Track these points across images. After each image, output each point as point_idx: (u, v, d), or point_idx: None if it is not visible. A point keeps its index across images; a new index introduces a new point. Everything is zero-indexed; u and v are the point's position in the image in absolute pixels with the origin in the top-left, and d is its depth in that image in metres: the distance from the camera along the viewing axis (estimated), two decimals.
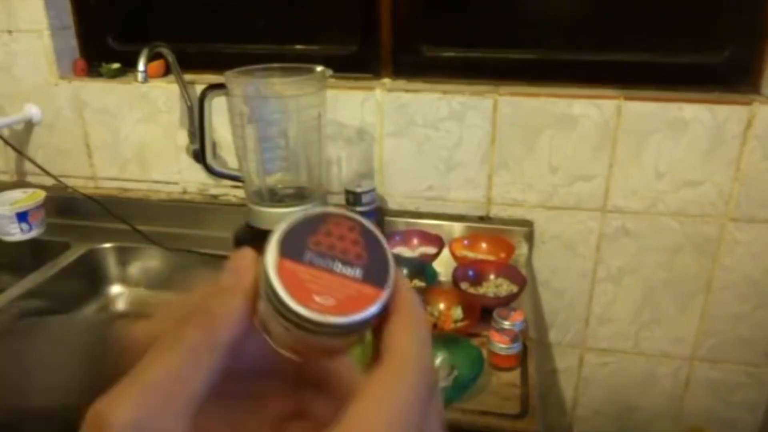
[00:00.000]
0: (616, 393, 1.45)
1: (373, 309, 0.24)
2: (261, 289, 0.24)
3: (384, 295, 0.24)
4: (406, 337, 0.24)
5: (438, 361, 0.92)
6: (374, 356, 0.24)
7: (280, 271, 0.23)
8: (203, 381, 0.22)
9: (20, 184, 1.52)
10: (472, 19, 1.31)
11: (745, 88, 1.21)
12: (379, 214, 1.30)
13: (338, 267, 0.24)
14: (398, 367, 0.23)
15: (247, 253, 0.25)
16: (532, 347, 0.98)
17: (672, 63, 1.24)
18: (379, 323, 0.24)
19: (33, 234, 1.31)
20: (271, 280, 0.23)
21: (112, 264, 1.36)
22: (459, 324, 1.02)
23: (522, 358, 0.95)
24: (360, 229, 0.25)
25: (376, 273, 0.24)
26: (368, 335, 0.25)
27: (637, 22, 1.25)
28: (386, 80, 1.34)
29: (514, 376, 0.92)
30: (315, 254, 0.24)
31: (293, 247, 0.24)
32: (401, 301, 0.25)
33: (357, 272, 0.24)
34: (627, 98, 1.19)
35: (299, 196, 1.14)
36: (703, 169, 1.21)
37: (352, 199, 1.24)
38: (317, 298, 0.23)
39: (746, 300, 1.30)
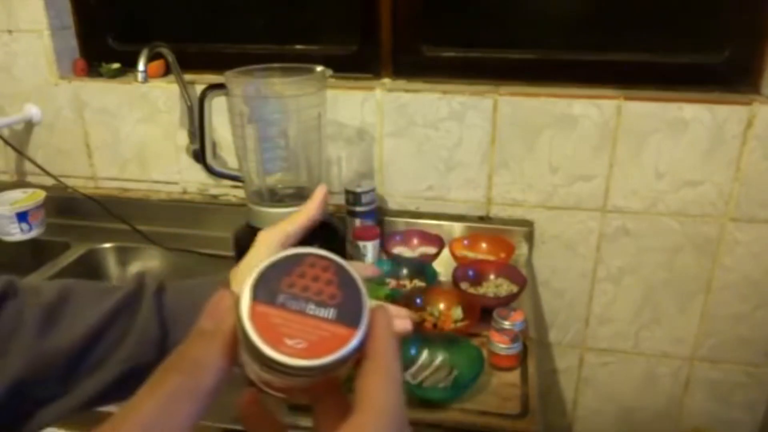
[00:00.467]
0: (616, 393, 1.45)
1: (345, 350, 0.24)
2: (238, 333, 0.25)
3: (358, 335, 0.24)
4: (379, 387, 0.24)
5: (438, 361, 0.92)
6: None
7: (253, 316, 0.24)
8: (184, 424, 0.23)
9: (20, 184, 1.52)
10: (472, 19, 1.31)
11: (745, 88, 1.21)
12: (379, 214, 1.30)
13: (311, 308, 0.24)
14: (371, 418, 0.23)
15: (226, 296, 0.26)
16: (532, 347, 0.98)
17: (672, 63, 1.24)
18: (356, 361, 0.25)
19: (33, 234, 1.31)
20: (243, 324, 0.23)
21: (112, 264, 1.36)
22: (459, 324, 1.02)
23: (522, 358, 0.95)
24: (335, 268, 0.26)
25: (349, 313, 0.25)
26: (349, 371, 0.25)
27: (637, 22, 1.25)
28: (386, 80, 1.34)
29: (514, 376, 0.92)
30: (288, 297, 0.24)
31: (267, 290, 0.24)
32: (376, 345, 0.25)
33: (330, 313, 0.24)
34: (627, 98, 1.19)
35: (299, 196, 1.14)
36: (703, 169, 1.21)
37: (352, 199, 1.24)
38: (288, 342, 0.23)
39: (746, 300, 1.30)
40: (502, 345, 0.93)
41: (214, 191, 1.44)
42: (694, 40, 1.24)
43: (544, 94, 1.22)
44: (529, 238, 1.30)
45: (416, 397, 0.84)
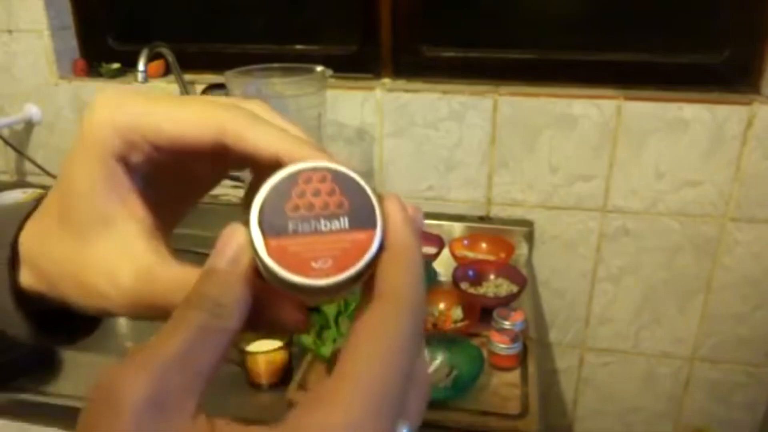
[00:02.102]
0: (616, 393, 1.45)
1: (370, 253, 0.24)
2: (261, 271, 0.24)
3: (377, 234, 0.24)
4: (398, 275, 0.24)
5: (438, 361, 0.92)
6: (365, 292, 0.24)
7: (271, 252, 0.23)
8: (213, 361, 0.22)
9: (20, 184, 1.52)
10: (472, 19, 1.31)
11: (745, 88, 1.21)
12: None
13: (324, 224, 0.24)
14: (392, 307, 0.23)
15: (236, 231, 0.25)
16: (532, 347, 0.98)
17: (672, 63, 1.24)
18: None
19: None
20: (266, 264, 0.23)
21: None
22: (459, 324, 1.02)
23: (522, 358, 0.95)
24: (332, 176, 0.25)
25: (362, 215, 0.24)
26: None
27: (637, 22, 1.25)
28: (386, 80, 1.34)
29: (514, 376, 0.92)
30: (297, 221, 0.24)
31: (273, 222, 0.24)
32: (391, 235, 0.24)
33: (344, 222, 0.24)
34: (627, 98, 1.19)
35: None
36: (703, 169, 1.21)
37: None
38: (315, 265, 0.23)
39: (746, 300, 1.30)
40: (502, 345, 0.93)
41: (214, 191, 1.44)
42: (694, 40, 1.24)
43: (544, 94, 1.22)
44: (529, 238, 1.30)
45: None
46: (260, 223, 0.24)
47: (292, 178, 0.24)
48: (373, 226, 0.24)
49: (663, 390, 1.42)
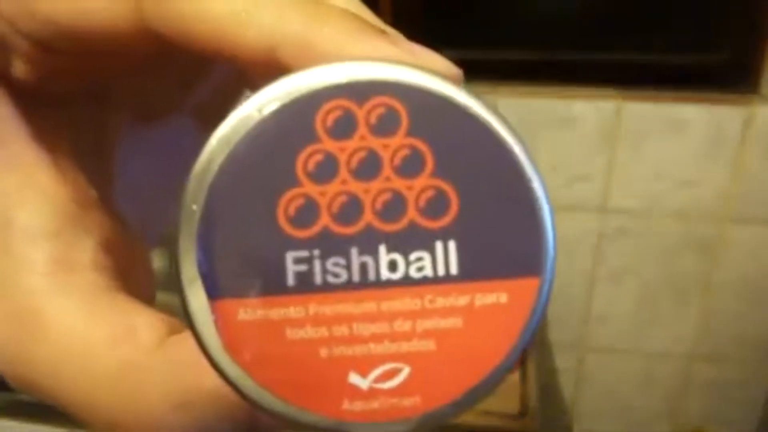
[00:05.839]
0: (615, 392, 1.46)
1: (515, 352, 0.10)
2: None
3: (540, 296, 0.11)
4: None
5: None
6: None
7: (236, 346, 0.09)
8: None
9: None
10: (472, 19, 1.31)
11: (745, 88, 1.21)
12: None
13: (387, 263, 0.10)
14: None
15: None
16: (532, 347, 0.98)
17: (672, 63, 1.24)
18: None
19: None
20: (231, 381, 0.10)
21: None
22: None
23: (522, 358, 0.95)
24: (410, 107, 0.10)
25: (497, 241, 0.10)
26: None
27: (637, 22, 1.25)
28: None
29: (514, 375, 0.92)
30: (306, 254, 0.09)
31: (240, 262, 0.09)
32: None
33: (446, 258, 0.10)
34: (626, 98, 1.19)
35: None
36: (702, 170, 1.21)
37: None
38: (361, 383, 0.09)
39: (745, 299, 1.30)
40: None
41: None
42: (694, 40, 1.24)
43: (543, 94, 1.22)
44: None
45: None
46: (204, 273, 0.09)
47: (299, 118, 0.10)
48: (533, 268, 0.11)
49: (662, 389, 1.42)
